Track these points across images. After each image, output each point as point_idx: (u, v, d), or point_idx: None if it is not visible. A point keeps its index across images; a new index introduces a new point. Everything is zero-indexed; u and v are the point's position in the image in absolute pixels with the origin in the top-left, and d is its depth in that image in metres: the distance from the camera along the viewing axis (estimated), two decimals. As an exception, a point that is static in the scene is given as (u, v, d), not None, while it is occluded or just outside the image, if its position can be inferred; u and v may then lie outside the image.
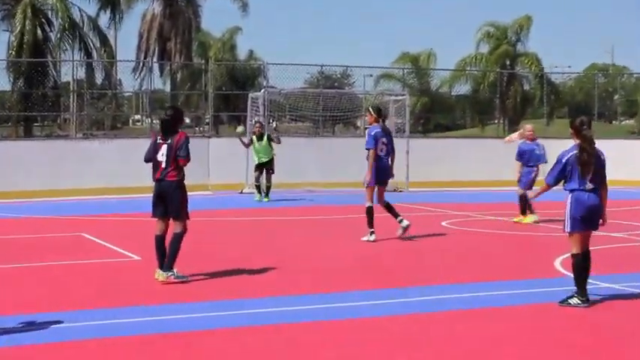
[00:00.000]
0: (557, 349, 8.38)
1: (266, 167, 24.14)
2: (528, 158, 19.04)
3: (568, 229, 10.35)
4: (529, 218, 18.75)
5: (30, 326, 8.93)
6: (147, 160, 11.86)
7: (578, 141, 10.27)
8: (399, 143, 28.47)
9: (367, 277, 12.26)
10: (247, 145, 24.52)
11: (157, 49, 46.16)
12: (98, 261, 13.67)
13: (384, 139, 15.74)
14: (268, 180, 24.27)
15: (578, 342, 8.69)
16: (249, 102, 29.20)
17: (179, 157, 11.46)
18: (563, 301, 10.16)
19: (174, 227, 11.62)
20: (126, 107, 55.23)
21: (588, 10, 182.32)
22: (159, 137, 11.70)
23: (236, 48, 62.75)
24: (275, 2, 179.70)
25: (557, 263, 13.20)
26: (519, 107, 49.06)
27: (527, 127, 19.99)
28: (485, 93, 45.87)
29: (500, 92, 40.73)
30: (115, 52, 48.47)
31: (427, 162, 29.27)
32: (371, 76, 48.55)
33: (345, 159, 28.96)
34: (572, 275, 11.19)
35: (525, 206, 18.84)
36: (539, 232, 17.41)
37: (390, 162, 15.88)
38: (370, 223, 15.61)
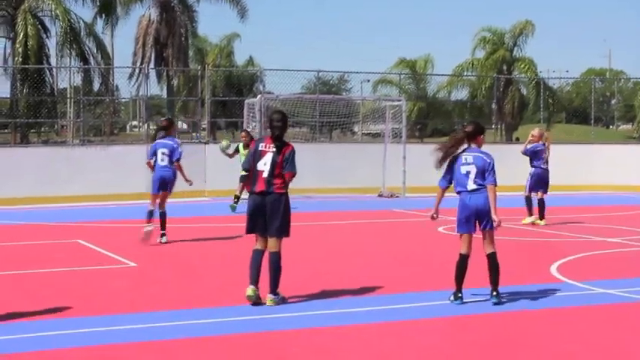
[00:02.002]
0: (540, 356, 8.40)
1: None
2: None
3: (456, 230, 10.70)
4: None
5: (19, 334, 8.94)
6: (247, 170, 10.85)
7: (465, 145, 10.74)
8: (395, 149, 28.76)
9: (349, 284, 12.25)
10: (231, 156, 23.81)
11: (153, 55, 46.11)
12: (95, 268, 13.66)
13: (164, 150, 16.33)
14: None
15: (561, 349, 8.71)
16: (245, 108, 29.18)
17: (286, 171, 10.58)
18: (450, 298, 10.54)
19: (273, 246, 10.56)
20: (123, 113, 55.27)
21: (585, 14, 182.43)
22: (262, 144, 10.71)
23: (233, 54, 62.96)
24: (274, 9, 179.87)
25: (553, 269, 13.18)
26: (516, 112, 49.08)
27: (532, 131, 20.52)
28: (482, 98, 45.89)
29: (497, 97, 40.74)
30: (111, 58, 48.48)
31: (424, 167, 29.03)
32: (368, 81, 48.51)
33: (342, 165, 28.99)
34: (568, 281, 11.41)
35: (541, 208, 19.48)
36: (538, 237, 17.39)
37: (172, 172, 16.40)
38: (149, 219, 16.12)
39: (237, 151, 23.45)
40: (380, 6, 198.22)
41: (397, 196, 27.95)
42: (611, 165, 30.79)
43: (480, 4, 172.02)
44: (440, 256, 15.08)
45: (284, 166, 10.54)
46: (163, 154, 16.38)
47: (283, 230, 10.55)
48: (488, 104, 44.15)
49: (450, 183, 10.66)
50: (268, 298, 10.43)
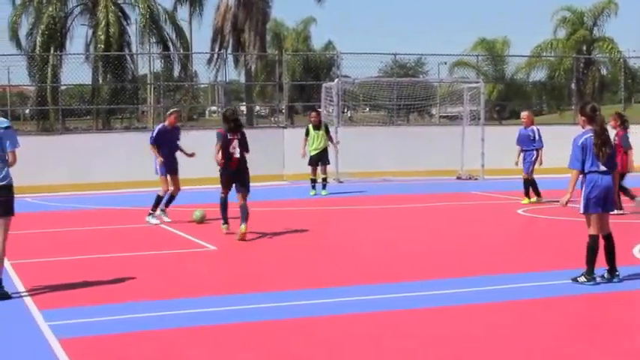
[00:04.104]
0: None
1: (321, 159, 23.25)
2: (522, 143, 20.42)
3: (582, 210, 10.67)
4: (530, 200, 19.91)
5: (109, 316, 9.10)
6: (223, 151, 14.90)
7: (589, 127, 10.61)
8: (473, 131, 28.56)
9: (433, 266, 12.24)
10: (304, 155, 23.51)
11: (231, 40, 46.36)
12: (177, 251, 13.83)
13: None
14: (324, 172, 23.32)
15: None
16: (322, 92, 29.23)
17: (247, 149, 15.11)
18: (574, 279, 10.59)
19: (244, 199, 14.91)
20: (202, 99, 55.70)
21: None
22: (229, 134, 14.94)
23: (310, 38, 63.08)
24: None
25: (635, 251, 12.99)
26: (597, 93, 48.28)
27: (522, 113, 21.14)
28: (561, 79, 45.24)
29: (576, 78, 40.15)
30: (190, 44, 48.92)
31: (503, 149, 28.86)
32: (445, 63, 48.14)
33: (420, 147, 28.88)
34: None
35: (529, 189, 20.03)
36: (617, 219, 17.11)
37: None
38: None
39: (307, 132, 23.18)
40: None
41: (475, 179, 27.77)
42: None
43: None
44: (522, 239, 15.01)
45: (247, 147, 15.12)
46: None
47: (249, 188, 15.12)
48: (567, 85, 43.54)
49: (583, 163, 10.59)
50: (242, 227, 14.54)
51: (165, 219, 17.31)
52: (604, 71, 50.21)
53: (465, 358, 7.66)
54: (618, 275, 10.63)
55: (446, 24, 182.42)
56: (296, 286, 10.75)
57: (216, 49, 45.22)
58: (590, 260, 10.52)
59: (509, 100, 48.93)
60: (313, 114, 23.87)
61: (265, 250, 13.97)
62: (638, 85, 50.77)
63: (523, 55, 52.05)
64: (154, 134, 17.50)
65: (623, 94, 38.25)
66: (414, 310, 9.39)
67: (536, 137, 20.01)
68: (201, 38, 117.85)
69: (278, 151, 27.64)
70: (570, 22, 50.64)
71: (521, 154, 20.41)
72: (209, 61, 43.50)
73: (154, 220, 17.15)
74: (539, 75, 49.10)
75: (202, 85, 52.60)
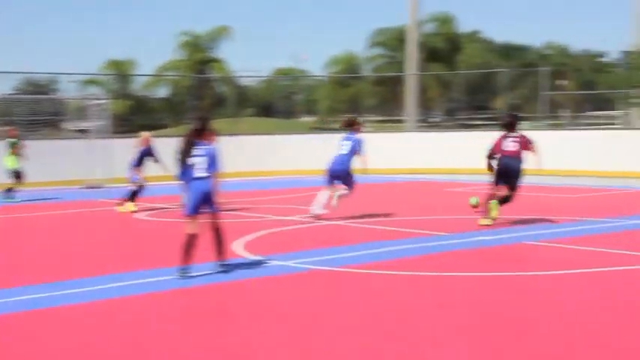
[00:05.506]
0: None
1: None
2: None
3: (185, 212, 11.30)
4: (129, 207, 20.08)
5: None
6: None
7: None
8: (102, 144, 28.76)
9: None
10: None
11: None
12: None
13: None
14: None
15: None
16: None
17: None
18: (180, 273, 11.07)
19: None
20: None
21: (275, 20, 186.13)
22: None
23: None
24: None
25: (236, 246, 13.78)
26: (212, 108, 50.09)
27: (142, 134, 21.35)
28: (183, 96, 46.51)
29: (195, 95, 41.43)
30: None
31: (125, 160, 29.29)
32: (76, 82, 47.82)
33: (51, 160, 28.57)
34: (250, 257, 12.41)
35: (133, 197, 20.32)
36: (228, 219, 17.99)
37: None
38: None
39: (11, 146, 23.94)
40: (85, 8, 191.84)
41: (101, 187, 28.00)
42: (296, 153, 32.58)
43: (180, 9, 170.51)
44: (138, 239, 15.49)
45: None
46: None
47: None
48: (187, 101, 44.92)
49: (183, 174, 11.22)
50: None
51: None
52: (221, 88, 52.12)
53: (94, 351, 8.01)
54: (225, 266, 11.35)
55: (78, 45, 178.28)
56: None
57: None
58: (186, 256, 11.03)
59: (136, 115, 49.58)
60: (12, 129, 24.71)
61: None
62: (247, 102, 53.34)
63: (148, 75, 53.03)
64: None
65: (232, 109, 40.08)
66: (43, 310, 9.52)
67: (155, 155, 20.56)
68: None
69: None
70: (190, 44, 52.17)
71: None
72: None
73: None
74: (163, 92, 50.30)
75: None
